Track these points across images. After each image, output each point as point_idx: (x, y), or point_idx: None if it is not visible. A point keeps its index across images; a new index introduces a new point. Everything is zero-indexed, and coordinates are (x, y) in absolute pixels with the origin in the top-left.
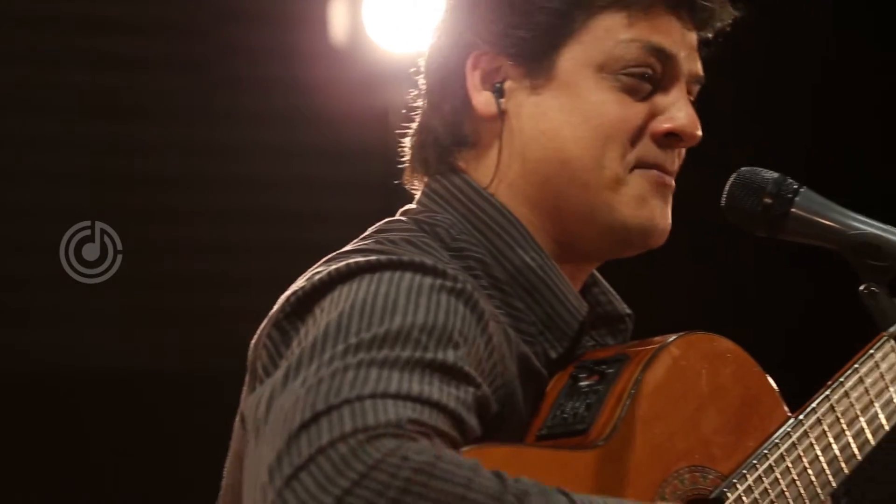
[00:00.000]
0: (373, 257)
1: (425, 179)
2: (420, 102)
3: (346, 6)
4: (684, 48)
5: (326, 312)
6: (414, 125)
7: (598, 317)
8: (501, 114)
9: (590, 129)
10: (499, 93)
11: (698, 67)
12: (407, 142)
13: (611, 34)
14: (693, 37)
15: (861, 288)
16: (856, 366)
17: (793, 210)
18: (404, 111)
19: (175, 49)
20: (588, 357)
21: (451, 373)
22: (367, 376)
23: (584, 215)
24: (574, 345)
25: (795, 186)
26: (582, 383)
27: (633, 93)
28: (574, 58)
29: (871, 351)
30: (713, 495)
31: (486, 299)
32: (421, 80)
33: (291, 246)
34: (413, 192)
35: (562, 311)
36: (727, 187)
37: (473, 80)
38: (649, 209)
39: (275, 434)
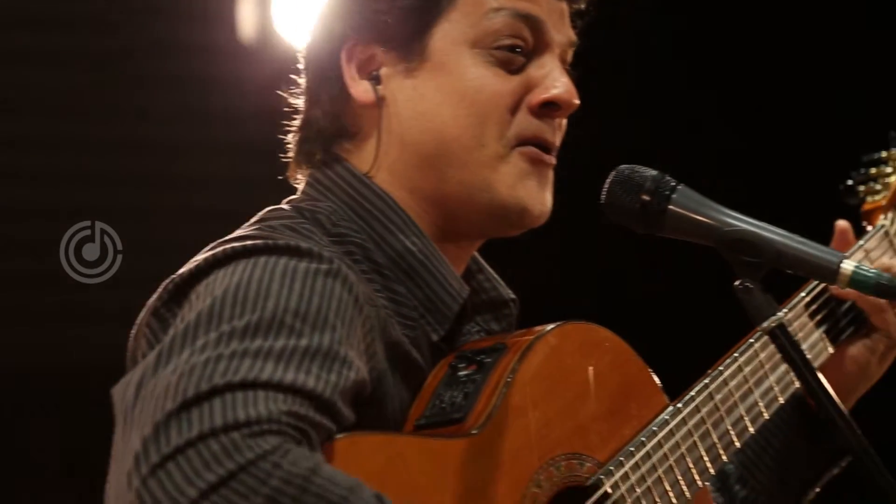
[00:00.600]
0: (248, 242)
1: (309, 171)
2: (301, 99)
3: (255, 3)
4: (553, 14)
5: (201, 298)
6: (296, 122)
7: (483, 302)
8: (380, 100)
9: (467, 106)
10: (375, 80)
11: (570, 33)
12: (290, 138)
13: (478, 7)
14: (563, 5)
15: (736, 284)
16: (735, 355)
17: (670, 207)
18: (286, 109)
19: (84, 45)
20: (468, 347)
21: (326, 357)
22: (240, 365)
23: (464, 195)
24: (456, 328)
25: (673, 184)
26: (461, 373)
27: (507, 66)
28: (445, 37)
29: (751, 340)
30: (590, 482)
31: (366, 284)
32: (301, 77)
33: (201, 242)
34: (297, 186)
35: (442, 293)
36: (606, 185)
37: (350, 70)
38: (526, 188)
39: (143, 421)
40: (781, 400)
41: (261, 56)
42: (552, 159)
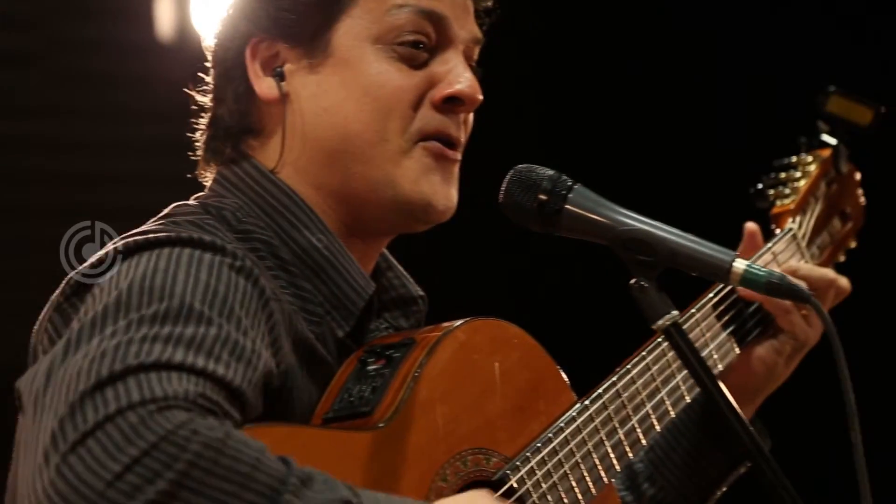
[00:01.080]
0: (151, 235)
1: (217, 168)
2: (209, 96)
3: (173, 0)
4: (457, 9)
5: (105, 292)
6: (205, 119)
7: (392, 300)
8: (284, 97)
9: (370, 102)
10: (279, 77)
11: (475, 30)
12: (199, 136)
13: (381, 3)
14: (467, 1)
15: (631, 282)
16: (643, 353)
17: (566, 207)
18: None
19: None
20: (377, 342)
21: (236, 346)
22: (151, 348)
23: (368, 191)
24: (362, 325)
25: (570, 184)
26: (370, 367)
27: (410, 62)
28: (348, 32)
29: (660, 339)
30: (495, 477)
31: (271, 279)
32: (209, 74)
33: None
34: (206, 183)
35: (348, 290)
36: (504, 184)
37: (254, 68)
38: (430, 184)
39: (57, 402)
40: (688, 399)
41: (178, 53)
42: (457, 155)
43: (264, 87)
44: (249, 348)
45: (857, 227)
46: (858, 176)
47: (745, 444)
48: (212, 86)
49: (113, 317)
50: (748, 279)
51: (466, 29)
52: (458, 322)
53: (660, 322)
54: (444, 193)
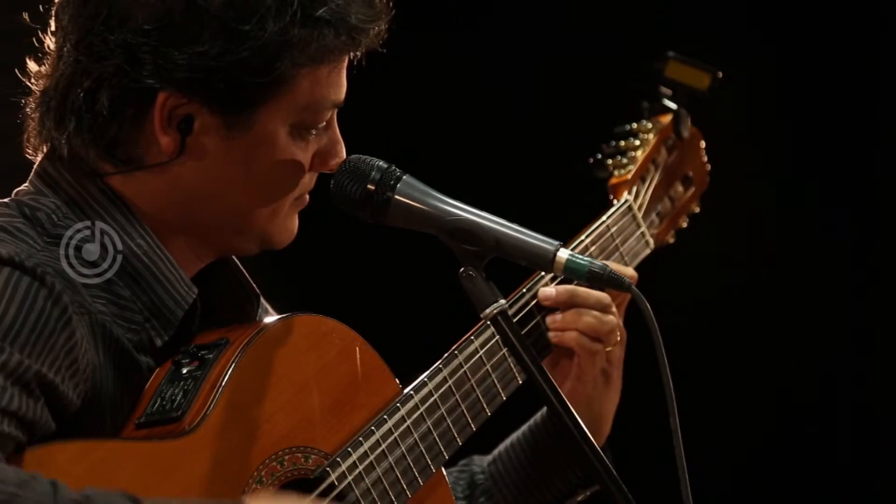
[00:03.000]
0: None
1: (42, 158)
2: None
3: None
4: (343, 80)
5: None
6: (43, 88)
7: (227, 298)
8: (182, 152)
9: (269, 185)
10: (186, 133)
11: (345, 86)
12: (36, 104)
13: (310, 97)
14: (343, 64)
15: (460, 271)
16: (471, 338)
17: (394, 197)
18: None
19: None
20: (194, 342)
21: (16, 372)
22: None
23: (234, 240)
24: (187, 330)
25: (399, 174)
26: (184, 369)
27: (307, 142)
28: (272, 115)
29: (487, 324)
30: (315, 474)
31: (79, 289)
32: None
33: None
34: (29, 156)
35: (166, 298)
36: (335, 174)
37: (162, 116)
38: (293, 227)
39: None
40: (520, 380)
41: None
42: None
43: (167, 140)
44: (34, 370)
45: (700, 191)
46: (702, 141)
47: (563, 429)
48: (93, 75)
49: None
50: (570, 268)
51: (342, 94)
52: (273, 318)
53: (487, 311)
54: (296, 231)
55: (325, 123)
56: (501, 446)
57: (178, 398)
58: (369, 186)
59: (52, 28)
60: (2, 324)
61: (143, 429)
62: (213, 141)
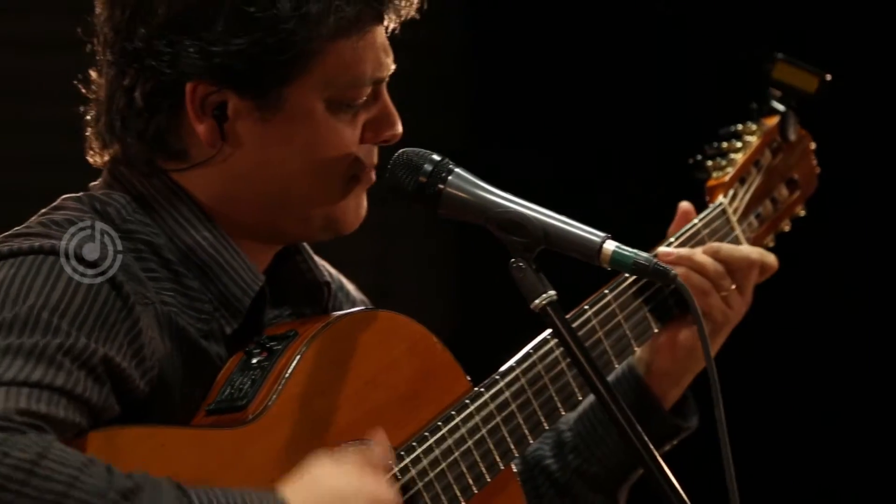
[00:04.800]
0: (15, 245)
1: (111, 156)
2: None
3: None
4: (386, 56)
5: None
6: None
7: (300, 286)
8: (223, 139)
9: (318, 162)
10: (222, 119)
11: (391, 64)
12: (96, 114)
13: (342, 72)
14: (386, 41)
15: (510, 262)
16: (546, 336)
17: (445, 189)
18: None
19: None
20: (266, 332)
21: (82, 356)
22: None
23: (299, 228)
24: (257, 318)
25: (451, 167)
26: (254, 359)
27: (352, 115)
28: (304, 92)
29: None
30: None
31: (146, 282)
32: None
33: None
34: (95, 162)
35: (233, 287)
36: (389, 165)
37: (195, 106)
38: (362, 211)
39: None
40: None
41: None
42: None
43: (203, 128)
44: (101, 353)
45: (806, 194)
46: (812, 144)
47: (612, 417)
48: (132, 72)
49: None
50: (616, 260)
51: (389, 69)
52: (341, 313)
53: (536, 301)
54: (364, 211)
55: (371, 97)
56: (586, 402)
57: (246, 387)
58: (421, 179)
59: (97, 36)
60: (68, 311)
61: (212, 416)
62: (249, 124)
